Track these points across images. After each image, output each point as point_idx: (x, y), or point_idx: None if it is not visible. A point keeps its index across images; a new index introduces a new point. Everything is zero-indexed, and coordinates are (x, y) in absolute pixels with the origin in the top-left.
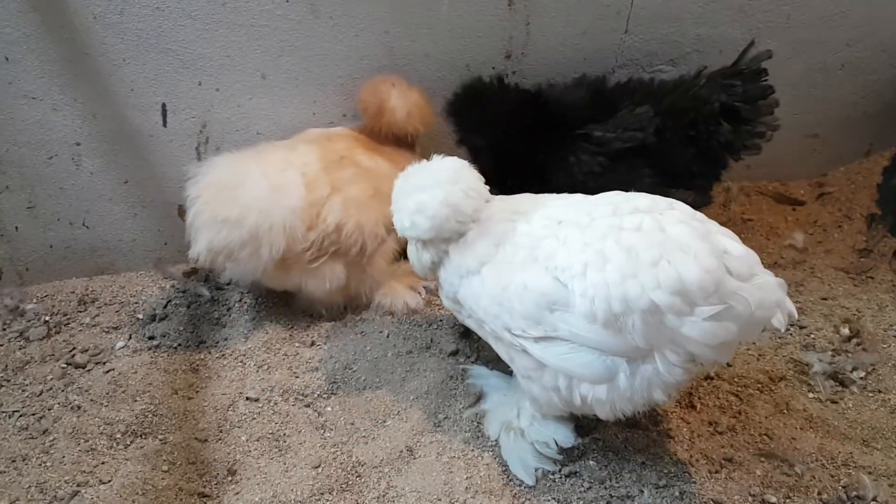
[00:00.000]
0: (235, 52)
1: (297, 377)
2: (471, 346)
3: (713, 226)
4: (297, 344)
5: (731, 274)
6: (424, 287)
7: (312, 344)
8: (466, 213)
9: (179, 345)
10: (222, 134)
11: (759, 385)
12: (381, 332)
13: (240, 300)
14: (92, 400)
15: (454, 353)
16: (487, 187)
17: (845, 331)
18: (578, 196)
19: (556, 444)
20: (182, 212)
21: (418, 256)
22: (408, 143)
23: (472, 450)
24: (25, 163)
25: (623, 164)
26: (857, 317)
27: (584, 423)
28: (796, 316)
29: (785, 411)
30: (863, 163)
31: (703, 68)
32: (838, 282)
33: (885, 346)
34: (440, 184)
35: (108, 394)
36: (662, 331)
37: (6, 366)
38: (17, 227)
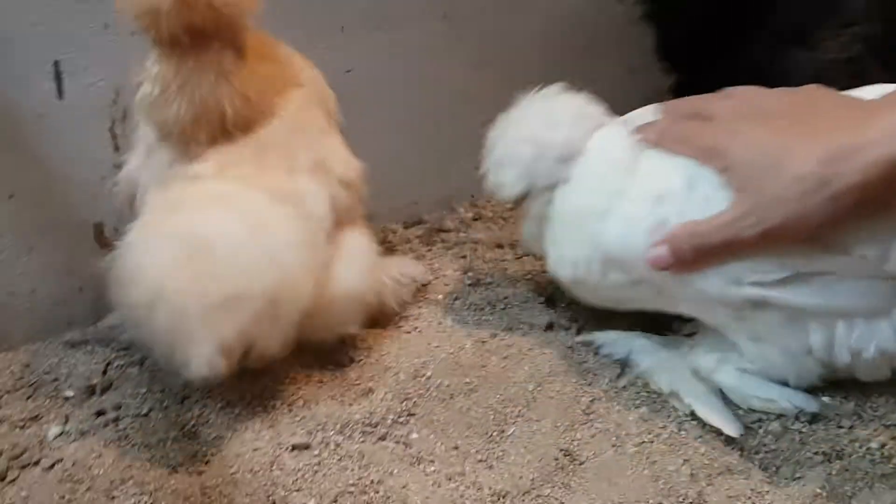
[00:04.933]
0: None
1: (349, 405)
2: (563, 314)
3: None
4: (331, 365)
5: None
6: None
7: (352, 361)
8: (559, 143)
9: (151, 410)
10: None
11: None
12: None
13: None
14: None
15: (550, 328)
16: (600, 110)
17: None
18: None
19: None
20: (101, 235)
21: (523, 233)
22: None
23: (662, 425)
24: None
25: None
26: None
27: None
28: None
29: None
30: None
31: None
32: None
33: None
34: (518, 121)
35: (63, 497)
36: None
37: None
38: None
